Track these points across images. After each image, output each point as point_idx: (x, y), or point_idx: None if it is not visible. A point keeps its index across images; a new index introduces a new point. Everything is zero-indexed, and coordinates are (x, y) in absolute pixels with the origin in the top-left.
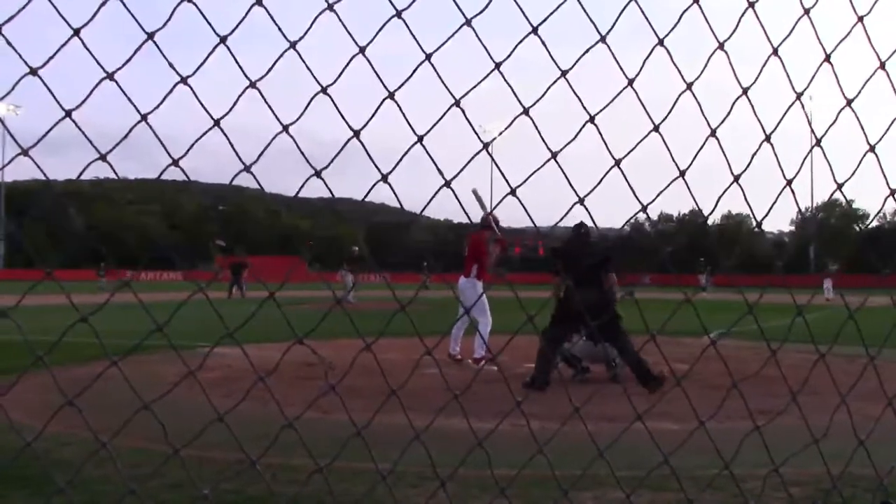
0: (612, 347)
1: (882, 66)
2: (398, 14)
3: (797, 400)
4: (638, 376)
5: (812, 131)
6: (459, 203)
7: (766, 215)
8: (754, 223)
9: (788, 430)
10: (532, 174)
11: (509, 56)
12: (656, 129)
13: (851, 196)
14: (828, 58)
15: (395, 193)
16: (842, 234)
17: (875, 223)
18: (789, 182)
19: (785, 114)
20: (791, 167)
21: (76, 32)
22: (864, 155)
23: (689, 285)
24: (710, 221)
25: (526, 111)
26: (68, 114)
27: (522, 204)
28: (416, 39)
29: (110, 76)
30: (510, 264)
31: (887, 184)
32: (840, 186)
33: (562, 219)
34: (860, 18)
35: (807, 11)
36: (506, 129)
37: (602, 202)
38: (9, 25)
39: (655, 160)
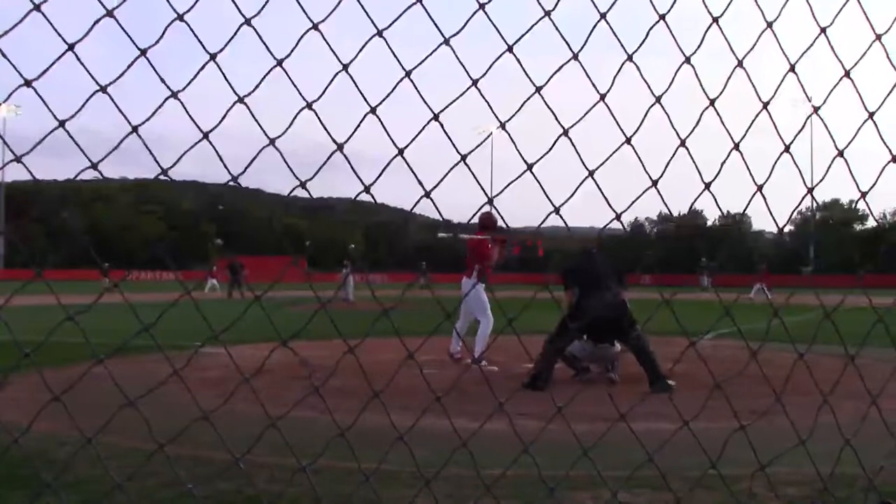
0: (614, 349)
1: (847, 74)
2: (379, 33)
3: (782, 400)
4: (648, 376)
5: (780, 135)
6: (439, 213)
7: (742, 213)
8: (751, 223)
9: (787, 429)
10: (507, 186)
11: (486, 73)
12: (628, 141)
13: (851, 196)
14: (792, 68)
15: (374, 200)
16: (839, 234)
17: (873, 224)
18: (759, 188)
19: (750, 125)
20: (800, 167)
21: (71, 48)
22: (832, 161)
23: (686, 286)
24: (709, 222)
25: (503, 125)
26: (62, 124)
27: (499, 211)
28: (396, 58)
29: (103, 89)
30: (508, 265)
31: (857, 188)
32: (810, 191)
33: (540, 225)
34: (823, 30)
35: (769, 25)
36: (484, 140)
37: (601, 204)
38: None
39: (658, 163)
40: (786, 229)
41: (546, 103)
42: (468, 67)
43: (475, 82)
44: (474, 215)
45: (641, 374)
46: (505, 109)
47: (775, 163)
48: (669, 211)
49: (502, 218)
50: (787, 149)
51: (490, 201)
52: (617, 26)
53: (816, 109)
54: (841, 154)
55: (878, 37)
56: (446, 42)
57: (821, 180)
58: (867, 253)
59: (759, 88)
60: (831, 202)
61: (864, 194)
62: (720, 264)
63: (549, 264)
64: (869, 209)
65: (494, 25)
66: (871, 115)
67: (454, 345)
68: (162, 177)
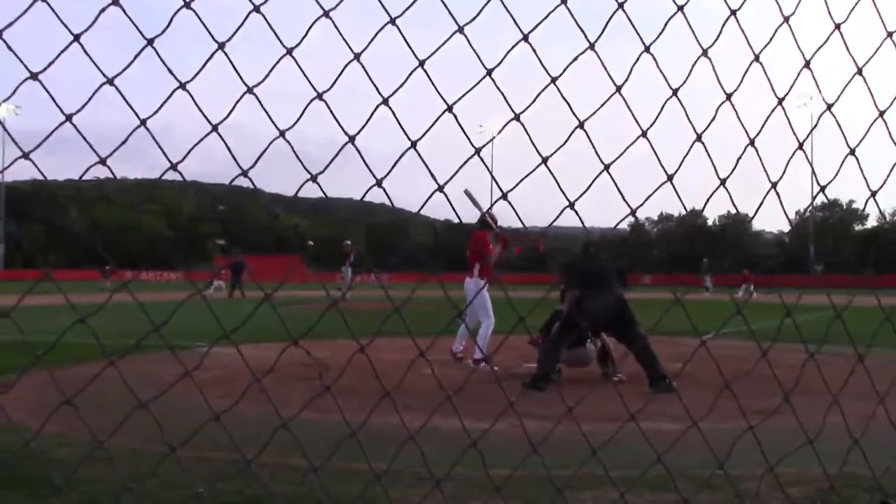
0: (589, 350)
1: (859, 71)
2: (392, 21)
3: (790, 400)
4: (648, 376)
5: (794, 134)
6: (452, 207)
7: (754, 215)
8: (752, 223)
9: (790, 430)
10: (523, 179)
11: (500, 63)
12: (644, 134)
13: (851, 196)
14: (807, 64)
15: (388, 197)
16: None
17: (873, 223)
18: (774, 185)
19: (766, 121)
20: (797, 167)
21: (76, 38)
22: (845, 158)
23: (688, 285)
24: (708, 222)
25: (517, 116)
26: (69, 118)
27: (513, 207)
28: (409, 46)
29: (110, 81)
30: (509, 264)
31: (868, 186)
32: (823, 189)
33: (553, 221)
34: (837, 26)
35: (786, 19)
36: (497, 135)
37: (603, 202)
38: (9, 28)
39: (668, 160)
40: (787, 230)
41: (561, 94)
42: (468, 60)
43: (489, 72)
44: (489, 209)
45: (641, 374)
46: (502, 104)
47: (789, 160)
48: (684, 206)
49: (517, 215)
50: (800, 146)
51: (504, 196)
52: (636, 12)
53: (830, 107)
54: (852, 152)
55: (890, 34)
56: (460, 30)
57: (833, 178)
58: (865, 254)
59: (753, 84)
60: (831, 202)
61: (873, 193)
62: (727, 265)
63: (551, 264)
64: (879, 208)
65: (510, 14)
66: (882, 113)
67: (457, 344)
68: (171, 172)
